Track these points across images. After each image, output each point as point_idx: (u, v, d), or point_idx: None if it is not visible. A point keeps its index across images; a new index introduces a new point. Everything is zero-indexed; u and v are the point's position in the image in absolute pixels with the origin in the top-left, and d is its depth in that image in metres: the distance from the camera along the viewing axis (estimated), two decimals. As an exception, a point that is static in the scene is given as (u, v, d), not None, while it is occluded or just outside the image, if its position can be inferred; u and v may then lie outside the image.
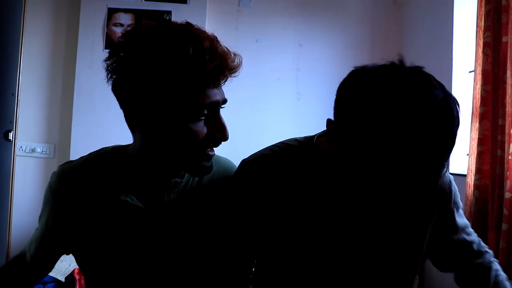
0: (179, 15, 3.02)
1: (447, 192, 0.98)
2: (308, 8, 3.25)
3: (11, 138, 2.74)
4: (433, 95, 0.72)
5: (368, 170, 0.75)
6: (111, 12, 3.03)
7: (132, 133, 0.91)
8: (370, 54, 3.28)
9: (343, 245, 0.92)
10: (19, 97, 2.81)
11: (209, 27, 3.06)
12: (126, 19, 3.04)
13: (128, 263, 0.92)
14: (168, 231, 0.93)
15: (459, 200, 1.02)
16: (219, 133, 0.87)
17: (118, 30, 3.03)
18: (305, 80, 3.23)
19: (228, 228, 0.96)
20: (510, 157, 1.84)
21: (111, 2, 3.04)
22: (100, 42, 3.03)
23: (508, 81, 1.88)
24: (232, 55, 0.86)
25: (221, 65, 0.81)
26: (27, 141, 3.06)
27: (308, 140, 1.00)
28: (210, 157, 0.89)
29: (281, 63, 3.22)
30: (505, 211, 1.81)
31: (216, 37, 0.86)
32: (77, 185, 0.93)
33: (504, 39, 1.96)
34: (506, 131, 1.88)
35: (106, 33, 3.03)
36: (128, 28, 0.88)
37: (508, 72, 1.88)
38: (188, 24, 0.84)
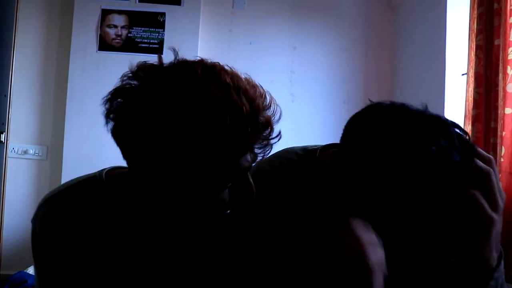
0: (173, 16, 3.01)
1: None
2: (302, 10, 3.25)
3: (3, 140, 2.72)
4: (450, 162, 0.67)
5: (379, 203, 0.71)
6: (105, 13, 3.02)
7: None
8: (364, 56, 3.29)
9: None
10: (11, 99, 2.79)
11: (203, 29, 3.07)
12: (119, 21, 3.03)
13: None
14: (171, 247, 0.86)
15: None
16: (246, 197, 0.75)
17: (112, 32, 3.02)
18: (299, 82, 3.24)
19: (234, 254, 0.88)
20: (502, 160, 1.85)
21: (104, 3, 3.02)
22: (93, 43, 3.01)
23: (500, 83, 1.89)
24: (272, 109, 0.74)
25: (262, 135, 0.69)
26: (20, 143, 3.04)
27: (309, 154, 0.92)
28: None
29: (275, 65, 3.22)
30: (498, 213, 1.82)
31: (254, 85, 0.73)
32: (68, 225, 0.79)
33: (496, 42, 1.97)
34: (499, 133, 1.89)
35: (100, 35, 3.02)
36: (140, 66, 0.70)
37: (500, 75, 1.90)
38: (220, 72, 0.69)
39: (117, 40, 3.02)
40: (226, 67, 0.74)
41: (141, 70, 0.70)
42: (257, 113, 0.68)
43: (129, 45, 3.01)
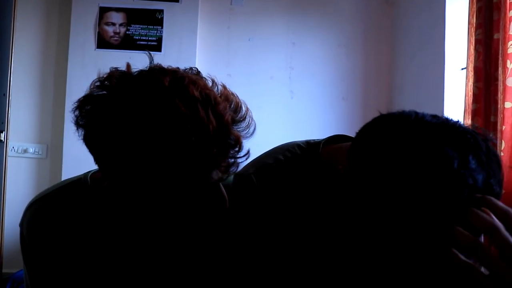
0: (171, 13, 3.00)
1: None
2: (301, 6, 3.25)
3: (3, 139, 2.72)
4: (473, 181, 0.58)
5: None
6: (103, 11, 3.01)
7: None
8: (362, 52, 3.28)
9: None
10: (10, 98, 2.78)
11: (201, 26, 3.07)
12: (117, 18, 3.02)
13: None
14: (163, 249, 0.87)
15: None
16: (217, 207, 0.74)
17: (110, 29, 3.01)
18: (298, 78, 3.23)
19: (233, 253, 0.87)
20: (502, 154, 1.85)
21: (102, 1, 3.02)
22: (91, 41, 3.01)
23: (500, 78, 1.89)
24: (247, 121, 0.74)
25: (229, 153, 0.67)
26: (19, 142, 3.04)
27: (312, 147, 0.89)
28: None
29: (274, 62, 3.22)
30: (498, 207, 1.82)
31: (228, 96, 0.72)
32: (55, 228, 0.80)
33: (495, 36, 1.97)
34: (498, 128, 1.89)
35: (98, 32, 3.01)
36: (108, 75, 0.69)
37: (500, 69, 1.89)
38: (188, 85, 0.65)
39: (115, 38, 3.01)
40: (197, 77, 0.70)
41: (109, 79, 0.68)
42: (225, 130, 0.65)
43: (127, 43, 3.01)
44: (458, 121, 0.65)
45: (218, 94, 0.72)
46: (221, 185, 0.74)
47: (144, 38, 3.01)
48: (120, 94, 0.65)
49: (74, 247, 0.81)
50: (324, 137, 0.92)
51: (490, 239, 0.55)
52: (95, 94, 0.68)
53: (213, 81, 0.74)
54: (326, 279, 0.85)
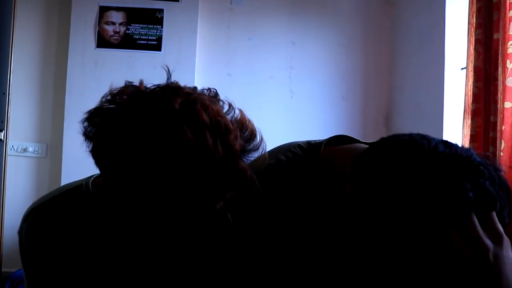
0: (171, 13, 3.00)
1: None
2: (301, 6, 3.25)
3: (2, 138, 2.72)
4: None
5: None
6: (103, 10, 3.01)
7: None
8: (362, 52, 3.28)
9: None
10: (10, 96, 2.78)
11: (201, 25, 3.07)
12: (117, 17, 3.02)
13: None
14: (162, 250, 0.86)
15: None
16: (227, 230, 0.73)
17: (110, 29, 3.01)
18: (298, 78, 3.23)
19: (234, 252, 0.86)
20: (502, 154, 1.85)
21: (102, 0, 3.01)
22: (91, 40, 3.00)
23: (500, 78, 1.89)
24: (260, 150, 0.71)
25: (234, 178, 0.64)
26: (19, 141, 3.04)
27: (313, 148, 0.87)
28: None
29: (274, 61, 3.22)
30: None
31: (243, 122, 0.69)
32: (53, 235, 0.79)
33: (495, 36, 1.97)
34: (498, 127, 1.89)
35: (98, 32, 3.01)
36: (120, 90, 0.68)
37: (500, 69, 1.90)
38: (199, 110, 0.63)
39: (115, 37, 3.01)
40: (212, 101, 0.68)
41: (120, 94, 0.67)
42: (233, 161, 0.63)
43: (127, 42, 3.00)
44: (470, 149, 0.65)
45: (232, 120, 0.68)
46: (228, 214, 0.72)
47: (144, 37, 3.01)
48: (129, 113, 0.64)
49: (74, 255, 0.80)
50: (325, 138, 0.91)
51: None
52: (105, 107, 0.67)
53: (230, 105, 0.71)
54: (326, 280, 0.84)
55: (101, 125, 0.66)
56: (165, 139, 0.60)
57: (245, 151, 0.68)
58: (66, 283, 0.81)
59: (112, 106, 0.67)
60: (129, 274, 0.84)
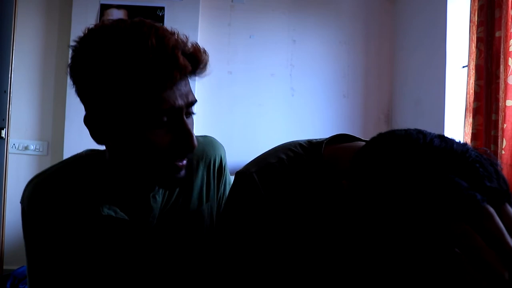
0: (172, 11, 3.00)
1: None
2: (302, 3, 3.24)
3: (3, 136, 2.72)
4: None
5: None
6: (104, 8, 3.01)
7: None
8: (364, 50, 3.28)
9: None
10: (11, 95, 2.79)
11: (202, 23, 3.06)
12: (118, 15, 3.01)
13: (118, 281, 0.86)
14: (158, 244, 0.88)
15: None
16: (184, 142, 0.75)
17: (111, 26, 3.01)
18: (299, 76, 3.23)
19: (231, 252, 0.86)
20: (503, 152, 1.84)
21: (103, -2, 3.01)
22: (92, 38, 3.00)
23: (501, 76, 1.89)
24: (191, 49, 0.78)
25: (169, 65, 0.71)
26: (20, 139, 3.04)
27: (314, 147, 0.87)
28: (180, 168, 0.79)
29: (275, 59, 3.22)
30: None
31: (173, 33, 0.78)
32: (55, 200, 0.83)
33: (497, 34, 1.97)
34: (499, 126, 1.89)
35: (99, 30, 3.00)
36: (85, 31, 0.79)
37: (501, 67, 1.89)
38: (139, 22, 0.75)
39: (116, 35, 3.01)
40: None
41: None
42: (166, 43, 0.72)
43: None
44: (466, 144, 0.64)
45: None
46: (186, 120, 0.77)
47: (145, 35, 3.00)
48: (91, 36, 0.75)
49: (75, 220, 0.83)
50: (326, 137, 0.91)
51: (482, 225, 0.55)
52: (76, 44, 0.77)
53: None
54: (327, 280, 0.84)
55: (77, 47, 0.76)
56: (115, 40, 0.72)
57: (183, 51, 0.76)
58: (67, 249, 0.84)
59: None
60: (128, 238, 0.87)
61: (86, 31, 0.77)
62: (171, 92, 0.72)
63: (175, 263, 0.91)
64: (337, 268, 0.84)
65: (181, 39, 0.78)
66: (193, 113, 0.81)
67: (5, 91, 2.76)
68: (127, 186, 0.85)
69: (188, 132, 0.76)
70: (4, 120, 2.74)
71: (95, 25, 0.77)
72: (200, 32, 3.06)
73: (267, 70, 3.20)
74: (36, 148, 3.06)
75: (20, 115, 3.01)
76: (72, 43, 0.77)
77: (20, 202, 0.85)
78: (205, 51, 0.80)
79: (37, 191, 0.83)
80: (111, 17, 3.01)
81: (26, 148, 3.06)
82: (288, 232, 0.83)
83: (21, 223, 0.85)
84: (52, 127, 3.08)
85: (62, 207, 0.83)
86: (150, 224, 0.88)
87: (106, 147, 0.84)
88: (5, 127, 2.73)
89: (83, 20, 3.00)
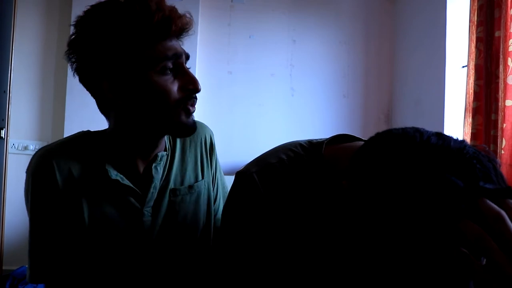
0: (172, 11, 3.00)
1: None
2: (302, 3, 3.24)
3: (3, 136, 2.72)
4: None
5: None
6: (103, 8, 3.01)
7: (107, 118, 0.91)
8: (364, 50, 3.28)
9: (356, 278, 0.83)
10: (11, 95, 2.78)
11: (202, 23, 3.06)
12: (118, 15, 3.01)
13: (124, 252, 0.89)
14: (159, 217, 0.92)
15: None
16: (190, 85, 0.84)
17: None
18: (299, 76, 3.23)
19: (231, 250, 0.86)
20: (503, 152, 1.84)
21: (103, -2, 3.01)
22: (92, 38, 3.00)
23: (501, 75, 1.89)
24: (180, 13, 0.89)
25: (169, 16, 0.83)
26: (20, 139, 3.04)
27: (315, 147, 0.87)
28: (191, 112, 0.86)
29: (274, 59, 3.22)
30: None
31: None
32: (64, 165, 0.87)
33: (496, 34, 1.97)
34: (499, 125, 1.89)
35: (99, 30, 3.00)
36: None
37: (501, 67, 1.89)
38: None
39: (116, 35, 3.01)
40: None
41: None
42: (163, 3, 0.84)
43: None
44: (463, 141, 0.63)
45: None
46: (187, 68, 0.87)
47: (144, 35, 3.00)
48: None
49: (83, 183, 0.87)
50: (326, 137, 0.91)
51: (494, 228, 0.54)
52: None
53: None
54: (327, 280, 0.84)
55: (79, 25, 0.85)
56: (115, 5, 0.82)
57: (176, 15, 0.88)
58: (72, 213, 0.86)
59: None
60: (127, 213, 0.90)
61: (88, 9, 0.87)
62: (172, 41, 0.84)
63: (175, 238, 0.94)
64: (337, 267, 0.84)
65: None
66: (189, 68, 0.89)
67: (4, 91, 2.75)
68: (130, 156, 0.90)
69: (192, 76, 0.85)
70: (3, 120, 2.74)
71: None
72: (200, 32, 3.06)
73: (267, 70, 3.20)
74: (36, 148, 3.06)
75: (20, 115, 3.01)
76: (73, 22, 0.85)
77: (26, 171, 0.88)
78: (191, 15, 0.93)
79: (44, 158, 0.86)
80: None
81: (25, 148, 3.05)
82: (288, 231, 0.83)
83: (24, 193, 0.88)
84: (51, 127, 3.08)
85: (69, 171, 0.87)
86: (152, 195, 0.91)
87: (111, 117, 0.89)
88: (5, 127, 2.73)
89: (82, 20, 2.99)
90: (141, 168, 0.92)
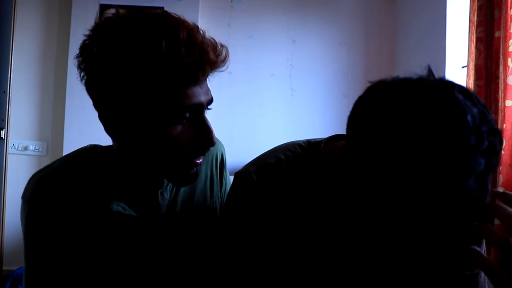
0: (171, 11, 2.98)
1: None
2: (301, 3, 3.24)
3: (3, 136, 2.72)
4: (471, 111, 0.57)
5: (397, 197, 0.61)
6: (103, 8, 3.01)
7: (110, 137, 0.81)
8: (363, 50, 3.28)
9: (357, 272, 0.83)
10: (11, 95, 2.78)
11: (201, 23, 3.06)
12: (118, 16, 3.01)
13: (125, 279, 0.84)
14: (166, 241, 0.87)
15: None
16: (205, 138, 0.75)
17: (111, 27, 3.01)
18: (298, 76, 3.23)
19: (231, 249, 0.86)
20: (503, 152, 1.84)
21: (103, -2, 3.01)
22: (92, 38, 3.00)
23: (501, 76, 1.89)
24: (218, 46, 0.77)
25: (200, 59, 0.70)
26: (20, 139, 3.04)
27: (313, 147, 0.88)
28: (196, 165, 0.78)
29: (274, 59, 3.22)
30: (498, 206, 1.82)
31: (197, 27, 0.76)
32: (61, 195, 0.79)
33: (496, 34, 1.97)
34: (499, 126, 1.89)
35: (98, 30, 3.00)
36: (99, 21, 0.76)
37: (501, 67, 1.89)
38: (163, 13, 0.74)
39: (116, 35, 3.01)
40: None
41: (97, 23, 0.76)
42: (196, 39, 0.71)
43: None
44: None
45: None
46: (206, 117, 0.77)
47: (144, 35, 3.00)
48: (106, 29, 0.74)
49: (82, 216, 0.80)
50: (325, 137, 0.91)
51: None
52: (86, 41, 0.76)
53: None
54: (326, 278, 0.84)
55: (91, 43, 0.74)
56: (137, 34, 0.69)
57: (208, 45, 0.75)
58: (72, 248, 0.80)
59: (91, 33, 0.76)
60: (132, 237, 0.84)
61: (103, 20, 0.75)
62: (196, 88, 0.72)
63: (182, 260, 0.90)
64: (336, 265, 0.84)
65: (201, 31, 0.77)
66: (210, 109, 0.80)
67: (4, 92, 2.75)
68: (135, 183, 0.84)
69: (209, 129, 0.76)
70: (3, 120, 2.74)
71: (112, 15, 0.75)
72: (199, 32, 3.06)
73: (266, 70, 3.20)
74: (36, 148, 3.06)
75: (20, 115, 3.01)
76: (87, 32, 0.76)
77: (22, 197, 0.80)
78: (223, 45, 0.81)
79: (41, 186, 0.79)
80: (110, 18, 3.00)
81: (25, 148, 3.05)
82: (287, 230, 0.83)
83: (21, 220, 0.81)
84: (51, 128, 3.08)
85: (68, 203, 0.79)
86: (158, 221, 0.86)
87: (117, 142, 0.81)
88: (5, 128, 2.73)
89: (82, 21, 3.00)
90: (147, 193, 0.86)
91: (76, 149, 0.89)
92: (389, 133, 0.59)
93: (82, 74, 0.75)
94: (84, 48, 0.75)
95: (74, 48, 2.98)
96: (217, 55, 0.76)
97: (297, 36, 3.24)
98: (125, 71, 0.68)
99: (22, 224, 0.80)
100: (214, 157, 1.00)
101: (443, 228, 0.62)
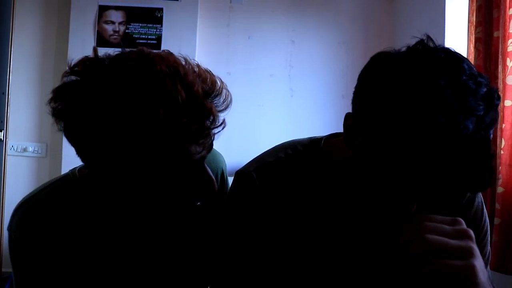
0: (170, 12, 2.99)
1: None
2: (301, 4, 3.24)
3: (2, 138, 2.72)
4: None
5: (401, 174, 0.62)
6: (102, 9, 3.01)
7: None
8: (363, 50, 3.27)
9: (360, 265, 0.83)
10: (9, 96, 2.78)
11: (200, 24, 3.06)
12: (117, 17, 3.01)
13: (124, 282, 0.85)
14: (167, 241, 0.88)
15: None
16: (205, 188, 0.72)
17: (110, 28, 3.00)
18: (298, 76, 3.23)
19: (232, 247, 0.86)
20: (502, 152, 1.84)
21: (101, 0, 3.01)
22: (91, 40, 3.00)
23: (500, 76, 1.89)
24: (224, 95, 0.73)
25: (202, 125, 0.65)
26: (19, 141, 3.04)
27: (314, 143, 0.88)
28: (196, 206, 0.76)
29: (273, 60, 3.22)
30: (497, 206, 1.82)
31: (187, 62, 0.70)
32: (47, 228, 0.77)
33: (495, 34, 1.97)
34: (498, 126, 1.89)
35: (97, 31, 3.00)
36: (77, 62, 0.68)
37: (500, 67, 1.89)
38: (160, 70, 0.64)
39: (114, 36, 3.01)
40: (167, 54, 0.70)
41: (78, 66, 0.68)
42: (195, 101, 0.64)
43: (127, 41, 3.00)
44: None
45: (190, 68, 0.70)
46: (206, 166, 0.74)
47: (143, 36, 3.00)
48: (91, 78, 0.65)
49: (66, 246, 0.79)
50: (326, 134, 0.92)
51: None
52: (67, 82, 0.68)
53: (185, 60, 0.72)
54: (326, 275, 0.84)
55: (68, 98, 0.66)
56: (126, 91, 0.62)
57: (207, 94, 0.70)
58: (56, 277, 0.80)
59: (73, 78, 0.67)
60: (122, 262, 0.84)
61: (87, 65, 0.67)
62: (198, 144, 0.68)
63: (182, 260, 0.90)
64: (337, 261, 0.84)
65: (195, 71, 0.70)
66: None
67: (3, 93, 2.75)
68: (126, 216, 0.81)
69: (210, 179, 0.73)
70: (2, 122, 2.73)
71: (107, 58, 0.67)
72: (198, 33, 3.05)
73: (266, 70, 3.20)
74: (35, 150, 3.06)
75: (19, 116, 3.00)
76: (67, 78, 0.67)
77: (8, 229, 0.79)
78: (220, 80, 0.76)
79: (27, 218, 0.78)
80: (109, 19, 3.00)
81: (24, 150, 3.05)
82: (287, 228, 0.83)
83: (9, 251, 0.80)
84: (50, 129, 3.07)
85: (55, 236, 0.77)
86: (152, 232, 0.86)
87: (105, 187, 0.77)
88: (4, 129, 2.73)
89: (81, 21, 2.99)
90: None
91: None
92: (395, 101, 0.62)
93: (61, 124, 0.70)
94: (62, 93, 0.67)
95: (73, 49, 2.97)
96: (222, 108, 0.73)
97: (296, 36, 3.24)
98: (119, 131, 0.63)
99: (9, 252, 0.80)
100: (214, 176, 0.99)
101: (448, 189, 0.63)
